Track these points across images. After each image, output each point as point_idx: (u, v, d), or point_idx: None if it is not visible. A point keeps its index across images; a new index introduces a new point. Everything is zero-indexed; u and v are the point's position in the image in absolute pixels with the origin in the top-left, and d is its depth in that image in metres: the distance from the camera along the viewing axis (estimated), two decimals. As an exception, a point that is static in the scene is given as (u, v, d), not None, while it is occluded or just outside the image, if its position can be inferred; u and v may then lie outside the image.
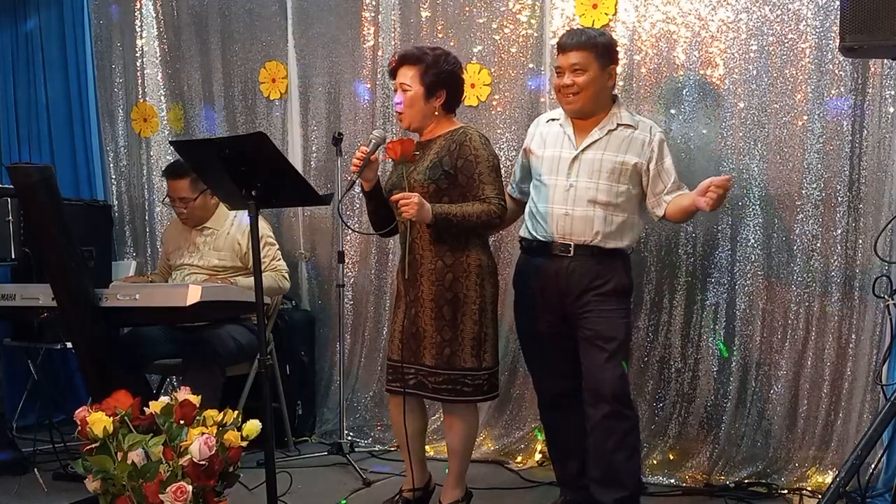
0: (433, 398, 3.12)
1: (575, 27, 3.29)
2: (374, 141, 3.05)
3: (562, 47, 3.07)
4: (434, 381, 3.05)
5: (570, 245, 3.06)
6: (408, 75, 3.07)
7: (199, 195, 3.96)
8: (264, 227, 4.02)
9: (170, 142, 3.94)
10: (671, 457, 3.72)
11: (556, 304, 3.11)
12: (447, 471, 3.23)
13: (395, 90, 3.13)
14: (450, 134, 3.10)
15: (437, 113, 3.11)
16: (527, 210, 3.23)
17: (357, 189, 3.14)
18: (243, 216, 3.96)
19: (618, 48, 3.20)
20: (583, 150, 3.07)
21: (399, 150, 2.96)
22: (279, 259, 4.07)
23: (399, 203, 2.89)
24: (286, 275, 4.08)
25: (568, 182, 3.07)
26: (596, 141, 3.07)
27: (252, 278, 3.83)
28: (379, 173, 3.17)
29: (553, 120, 3.22)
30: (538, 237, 3.13)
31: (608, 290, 3.05)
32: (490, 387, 3.10)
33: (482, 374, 3.06)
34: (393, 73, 3.14)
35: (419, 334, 3.07)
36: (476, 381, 3.05)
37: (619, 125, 3.08)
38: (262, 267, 3.87)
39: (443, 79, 3.08)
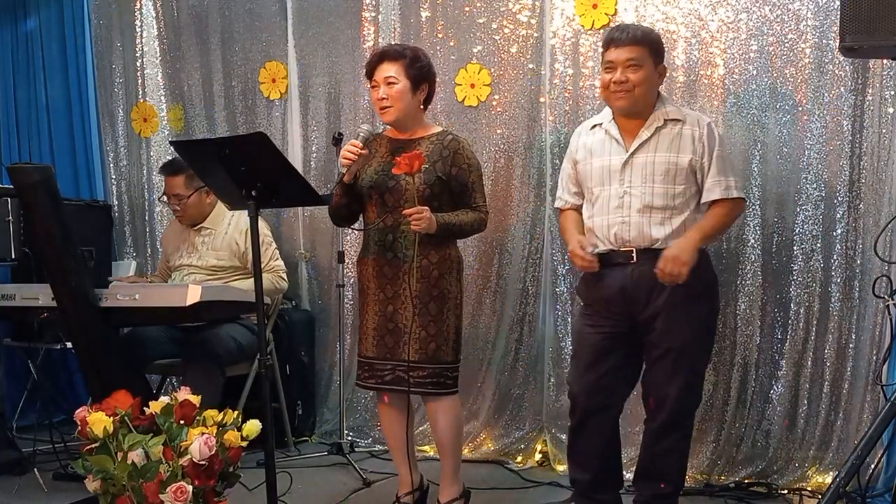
0: (415, 392, 3.13)
1: (620, 25, 3.22)
2: (362, 135, 3.06)
3: (615, 42, 2.93)
4: (416, 375, 3.06)
5: (631, 252, 2.93)
6: (392, 69, 3.08)
7: (194, 193, 3.96)
8: (262, 227, 4.02)
9: (170, 142, 3.95)
10: (671, 457, 3.71)
11: (622, 316, 2.98)
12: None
13: (375, 87, 3.12)
14: (436, 138, 3.13)
15: (420, 107, 3.15)
16: (585, 226, 3.09)
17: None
18: (241, 216, 3.97)
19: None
20: (633, 154, 2.95)
21: (416, 164, 2.88)
22: (277, 259, 4.08)
23: (411, 216, 2.92)
24: (284, 275, 4.09)
25: (622, 189, 2.95)
26: (645, 142, 2.95)
27: (248, 282, 3.88)
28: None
29: (596, 126, 3.09)
30: (599, 250, 3.00)
31: (678, 294, 2.87)
32: (458, 378, 3.17)
33: (458, 366, 3.15)
34: (371, 72, 3.15)
35: (398, 330, 3.09)
36: (454, 374, 3.13)
37: (666, 121, 2.96)
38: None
39: (424, 73, 3.13)
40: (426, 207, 2.95)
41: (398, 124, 3.15)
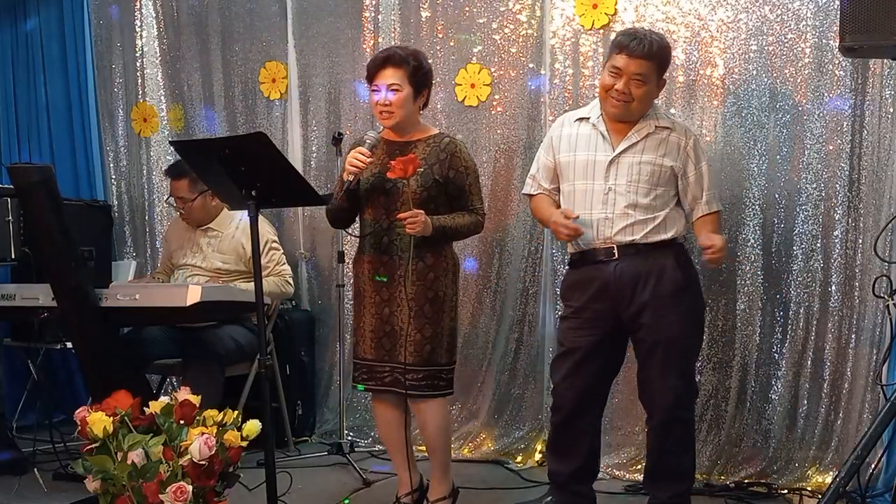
0: (411, 395, 3.12)
1: (632, 28, 3.34)
2: (369, 142, 3.06)
3: (628, 51, 2.89)
4: (412, 377, 3.06)
5: (613, 248, 2.97)
6: (396, 76, 3.06)
7: (198, 196, 3.95)
8: (269, 232, 4.02)
9: (170, 142, 3.96)
10: (671, 457, 3.71)
11: (608, 315, 3.00)
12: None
13: (377, 90, 3.09)
14: (433, 140, 3.12)
15: (420, 112, 3.16)
16: None
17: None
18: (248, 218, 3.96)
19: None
20: (620, 154, 2.97)
21: (411, 169, 2.88)
22: (283, 264, 4.06)
23: (406, 220, 2.92)
24: (290, 280, 4.07)
25: (606, 186, 2.97)
26: (634, 144, 2.97)
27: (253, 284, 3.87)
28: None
29: (582, 119, 3.09)
30: (581, 247, 3.04)
31: (662, 288, 2.93)
32: (452, 379, 3.17)
33: (452, 367, 3.15)
34: (373, 76, 3.11)
35: (394, 333, 3.08)
36: (448, 376, 3.13)
37: (656, 128, 2.98)
38: (267, 272, 3.89)
39: (426, 79, 3.13)
40: (421, 211, 2.94)
41: (397, 129, 3.15)
